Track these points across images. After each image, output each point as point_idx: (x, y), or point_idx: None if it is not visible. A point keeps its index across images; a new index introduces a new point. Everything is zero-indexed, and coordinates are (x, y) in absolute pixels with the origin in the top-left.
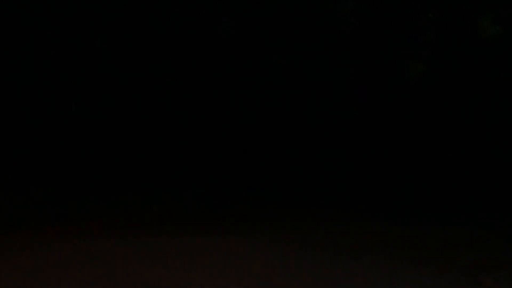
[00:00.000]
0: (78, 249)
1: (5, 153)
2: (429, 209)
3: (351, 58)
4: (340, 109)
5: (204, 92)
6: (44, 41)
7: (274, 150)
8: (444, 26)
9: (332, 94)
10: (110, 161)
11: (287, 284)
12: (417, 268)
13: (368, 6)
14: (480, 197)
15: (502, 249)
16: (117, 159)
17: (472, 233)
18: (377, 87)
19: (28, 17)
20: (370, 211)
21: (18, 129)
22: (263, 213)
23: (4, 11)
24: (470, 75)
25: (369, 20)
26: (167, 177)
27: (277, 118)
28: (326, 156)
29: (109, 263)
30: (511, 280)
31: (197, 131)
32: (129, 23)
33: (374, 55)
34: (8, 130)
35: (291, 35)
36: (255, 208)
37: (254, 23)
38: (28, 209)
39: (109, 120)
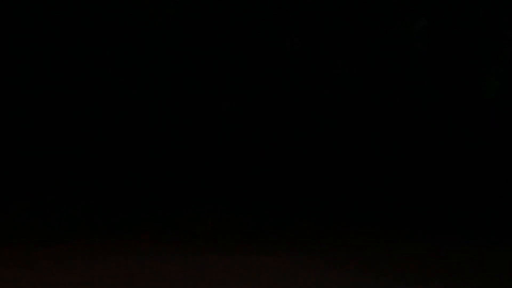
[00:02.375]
0: (118, 265)
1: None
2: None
3: (426, 75)
4: (415, 126)
5: (266, 104)
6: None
7: (338, 162)
8: None
9: (406, 111)
10: (161, 169)
11: None
12: None
13: (443, 23)
14: None
15: None
16: (169, 167)
17: None
18: (453, 104)
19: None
20: (437, 228)
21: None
22: (322, 229)
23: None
24: None
25: (444, 38)
26: (224, 188)
27: (342, 133)
28: (392, 171)
29: (150, 283)
30: None
31: (260, 140)
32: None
33: (449, 73)
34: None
35: (363, 52)
36: (315, 224)
37: (324, 38)
38: (72, 221)
39: (160, 126)
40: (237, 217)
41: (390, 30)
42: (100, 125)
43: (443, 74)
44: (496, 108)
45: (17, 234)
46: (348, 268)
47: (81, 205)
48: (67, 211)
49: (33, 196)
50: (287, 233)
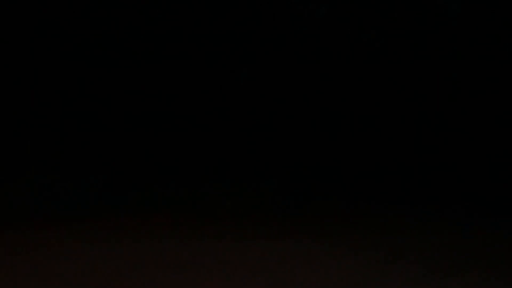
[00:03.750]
0: (124, 250)
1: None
2: None
3: (458, 42)
4: (446, 95)
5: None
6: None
7: (367, 132)
8: None
9: (436, 78)
10: (176, 145)
11: None
12: None
13: None
14: None
15: None
16: (186, 143)
17: None
18: (484, 74)
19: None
20: (477, 211)
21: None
22: (346, 210)
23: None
24: None
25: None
26: (242, 167)
27: (369, 105)
28: (429, 144)
29: (157, 270)
30: None
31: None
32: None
33: (481, 40)
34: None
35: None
36: (338, 204)
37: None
38: (78, 201)
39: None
40: (255, 198)
41: None
42: (106, 97)
43: (475, 42)
44: None
45: (18, 217)
46: (374, 256)
47: (87, 183)
48: (72, 190)
49: (34, 175)
50: (308, 215)
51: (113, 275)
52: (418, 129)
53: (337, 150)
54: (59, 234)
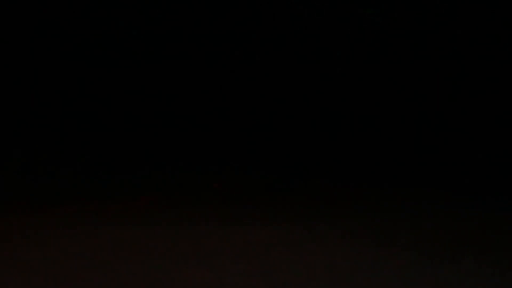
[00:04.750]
0: (108, 236)
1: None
2: None
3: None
4: (440, 82)
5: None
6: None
7: (356, 115)
8: None
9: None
10: (161, 128)
11: None
12: None
13: None
14: None
15: None
16: (171, 126)
17: None
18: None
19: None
20: (470, 194)
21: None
22: (337, 191)
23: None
24: None
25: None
26: (229, 149)
27: (358, 89)
28: (420, 126)
29: (135, 257)
30: None
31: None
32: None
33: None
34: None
35: None
36: (328, 185)
37: None
38: (62, 184)
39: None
40: (245, 180)
41: None
42: (93, 86)
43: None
44: None
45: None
46: (364, 241)
47: (72, 167)
48: (57, 173)
49: (20, 159)
50: (296, 198)
51: (91, 261)
52: (412, 120)
53: (330, 143)
54: (37, 220)
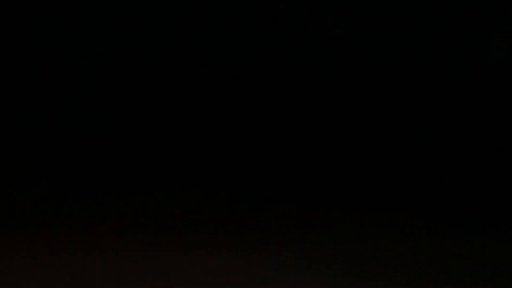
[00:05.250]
0: (67, 263)
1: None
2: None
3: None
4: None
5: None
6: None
7: (330, 137)
8: None
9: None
10: (123, 154)
11: None
12: None
13: None
14: None
15: None
16: (135, 152)
17: None
18: (455, 68)
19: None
20: (446, 220)
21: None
22: (306, 217)
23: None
24: None
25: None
26: (195, 171)
27: (334, 107)
28: (393, 151)
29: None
30: None
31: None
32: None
33: (453, 32)
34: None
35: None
36: (297, 212)
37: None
38: (20, 208)
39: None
40: (209, 204)
41: None
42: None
43: (445, 32)
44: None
45: None
46: (334, 268)
47: (31, 190)
48: (15, 197)
49: None
50: (264, 224)
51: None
52: (385, 144)
53: (299, 166)
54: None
